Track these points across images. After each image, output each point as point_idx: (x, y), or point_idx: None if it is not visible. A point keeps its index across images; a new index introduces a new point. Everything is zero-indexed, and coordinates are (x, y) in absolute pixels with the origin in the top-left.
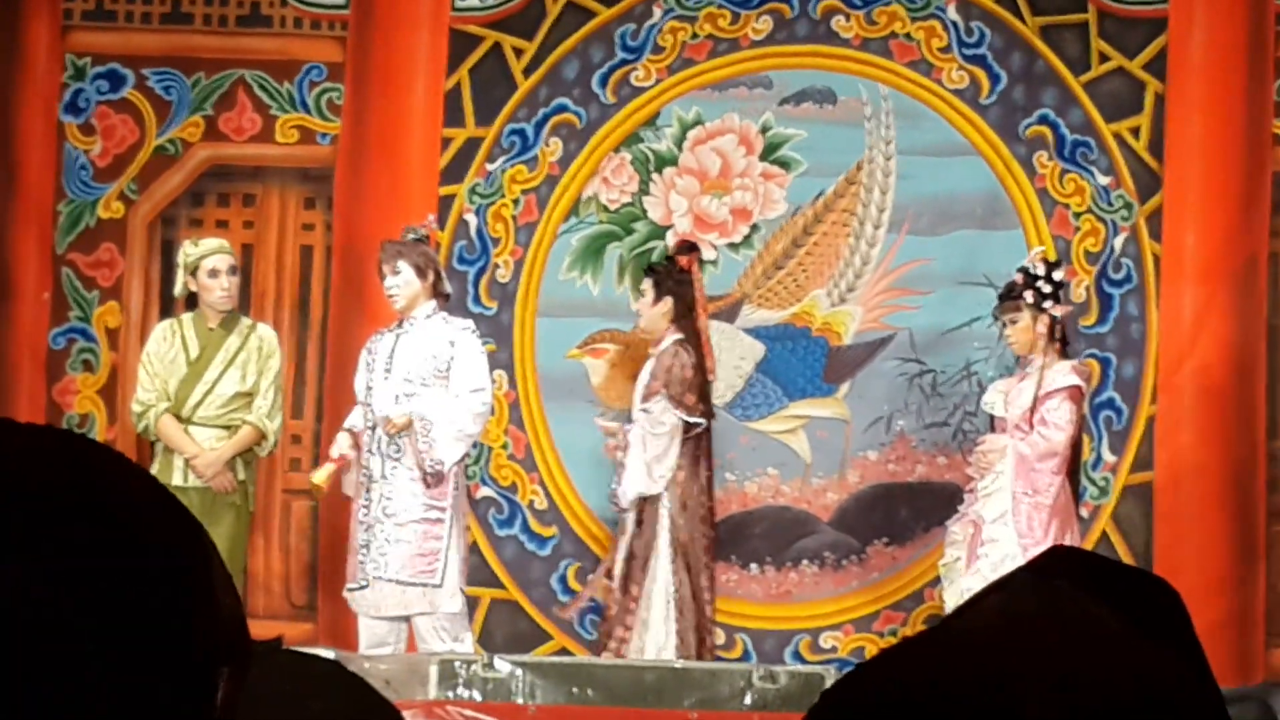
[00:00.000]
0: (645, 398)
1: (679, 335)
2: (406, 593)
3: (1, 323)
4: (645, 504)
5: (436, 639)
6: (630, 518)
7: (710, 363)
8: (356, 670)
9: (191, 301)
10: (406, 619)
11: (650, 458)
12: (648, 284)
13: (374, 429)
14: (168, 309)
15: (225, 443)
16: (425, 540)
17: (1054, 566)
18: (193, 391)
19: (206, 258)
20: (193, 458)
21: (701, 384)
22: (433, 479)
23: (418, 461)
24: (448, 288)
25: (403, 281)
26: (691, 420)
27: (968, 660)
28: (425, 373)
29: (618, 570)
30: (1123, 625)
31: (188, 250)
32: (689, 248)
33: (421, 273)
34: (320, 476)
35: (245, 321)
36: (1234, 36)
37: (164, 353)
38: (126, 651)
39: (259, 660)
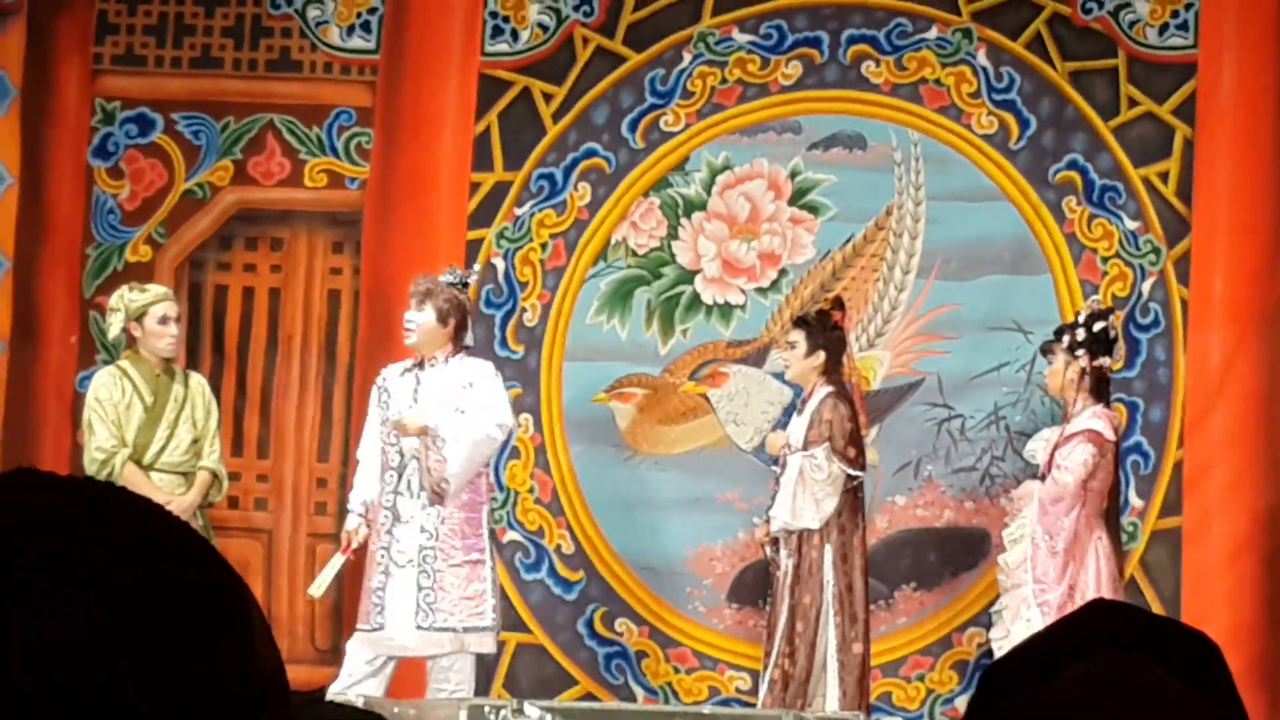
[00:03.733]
0: (806, 445)
1: (831, 388)
2: (448, 636)
3: (28, 365)
4: (808, 552)
5: (450, 680)
6: (789, 565)
7: (864, 417)
8: (386, 715)
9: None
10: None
11: (807, 497)
12: (799, 336)
13: (401, 467)
14: (193, 352)
15: (192, 492)
16: (470, 583)
17: (1101, 625)
18: (153, 438)
19: (156, 304)
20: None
21: (858, 436)
22: (436, 497)
23: (425, 477)
24: (470, 340)
25: (421, 321)
26: (853, 473)
27: None
28: (448, 410)
29: (782, 624)
30: (1195, 695)
31: (130, 297)
32: (840, 304)
33: (443, 318)
34: (319, 589)
35: (178, 369)
36: (1263, 81)
37: (116, 400)
38: (166, 702)
39: (303, 711)
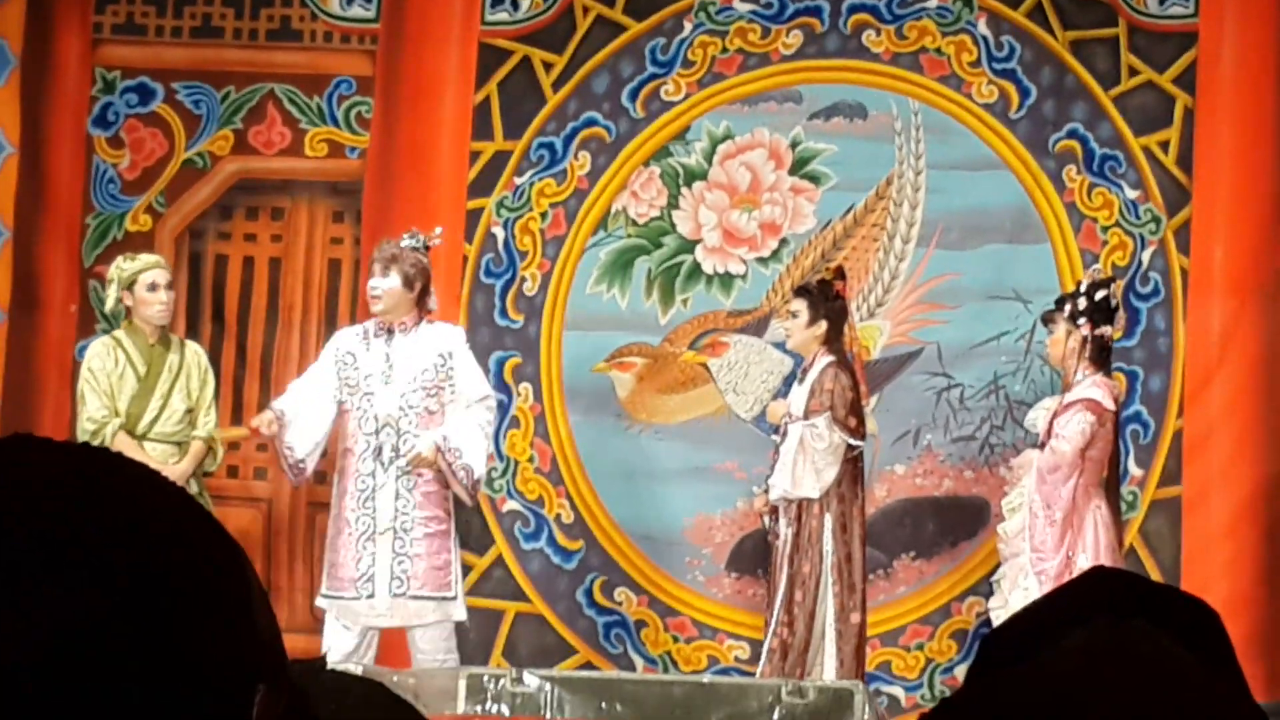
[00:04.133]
0: (807, 415)
1: (831, 357)
2: (423, 605)
3: (28, 334)
4: (807, 521)
5: (437, 649)
6: (788, 534)
7: (864, 386)
8: (384, 684)
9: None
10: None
11: (807, 466)
12: (800, 305)
13: (376, 434)
14: (194, 322)
15: (185, 460)
16: (439, 553)
17: (1101, 592)
18: (146, 408)
19: (145, 272)
20: None
21: (859, 406)
22: (471, 497)
23: (456, 488)
24: (434, 304)
25: (387, 287)
26: (853, 442)
27: (1054, 699)
28: (427, 382)
29: (781, 594)
30: (1195, 660)
31: (122, 265)
32: (841, 273)
33: (409, 283)
34: (221, 438)
35: (174, 338)
36: (1264, 51)
37: (110, 370)
38: (164, 671)
39: (305, 679)
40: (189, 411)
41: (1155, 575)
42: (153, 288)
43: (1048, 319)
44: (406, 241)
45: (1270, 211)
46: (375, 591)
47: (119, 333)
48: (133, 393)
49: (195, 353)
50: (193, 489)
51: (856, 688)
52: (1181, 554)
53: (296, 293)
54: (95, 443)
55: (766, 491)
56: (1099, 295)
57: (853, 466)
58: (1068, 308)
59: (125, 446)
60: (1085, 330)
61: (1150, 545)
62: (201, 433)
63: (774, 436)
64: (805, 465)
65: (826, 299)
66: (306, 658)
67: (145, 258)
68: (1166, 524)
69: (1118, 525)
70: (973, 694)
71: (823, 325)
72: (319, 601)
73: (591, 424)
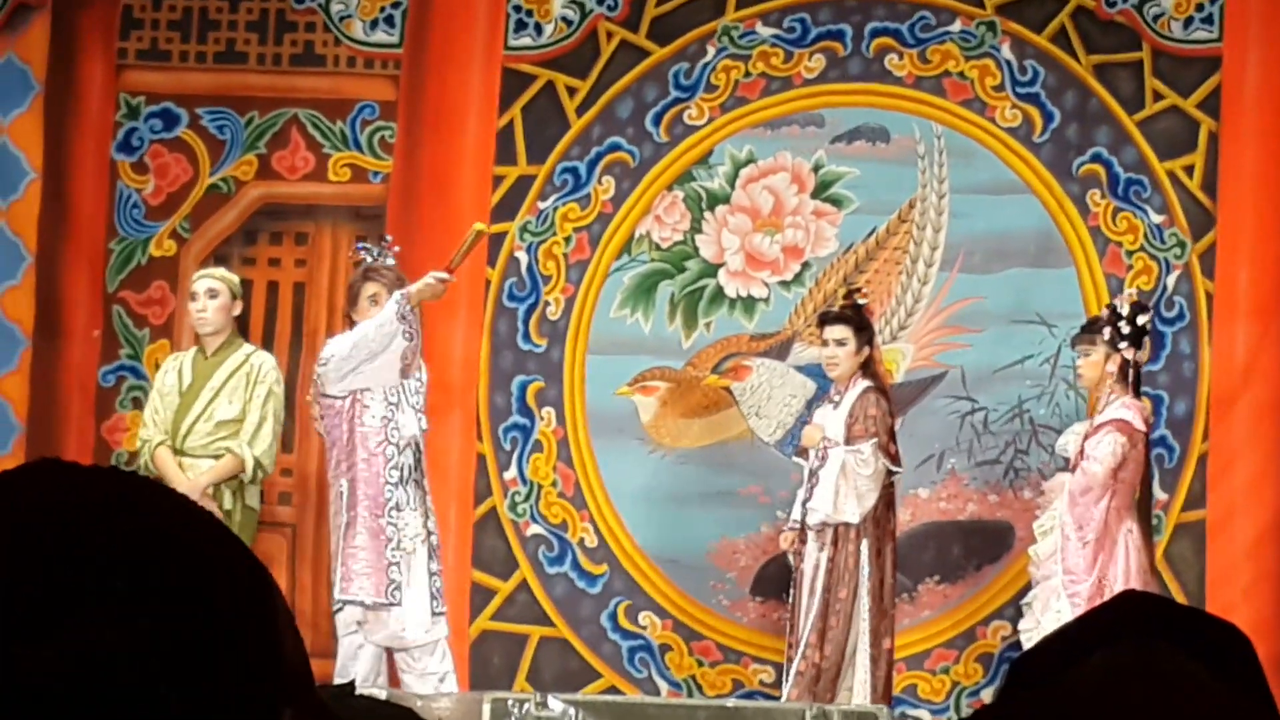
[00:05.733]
0: (849, 440)
1: (869, 382)
2: (440, 620)
3: (52, 360)
4: (844, 546)
5: (443, 664)
6: (821, 558)
7: (894, 409)
8: (412, 709)
9: None
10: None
11: (850, 491)
12: (847, 332)
13: (399, 451)
14: None
15: (206, 474)
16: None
17: (1130, 615)
18: (183, 421)
19: (192, 284)
20: None
21: (894, 431)
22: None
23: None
24: None
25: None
26: (894, 469)
27: (1077, 718)
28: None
29: (813, 617)
30: (1222, 684)
31: None
32: (864, 296)
33: None
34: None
35: (245, 349)
36: None
37: (161, 387)
38: (192, 693)
39: (335, 704)
40: (234, 423)
41: (1180, 599)
42: (193, 298)
43: (1081, 342)
44: (382, 260)
45: None
46: (404, 600)
47: (191, 349)
48: (174, 408)
49: (257, 365)
50: (224, 504)
51: (881, 712)
52: (1206, 577)
53: (321, 317)
54: (141, 461)
55: (803, 518)
56: (1140, 319)
57: (886, 492)
58: (1107, 331)
59: (163, 462)
60: (1127, 354)
61: (1175, 569)
62: (234, 446)
63: (798, 459)
64: (848, 490)
65: (864, 325)
66: (334, 682)
67: (205, 270)
68: (1191, 547)
69: (1149, 547)
70: (998, 714)
71: (866, 351)
72: (342, 612)
73: (615, 448)
